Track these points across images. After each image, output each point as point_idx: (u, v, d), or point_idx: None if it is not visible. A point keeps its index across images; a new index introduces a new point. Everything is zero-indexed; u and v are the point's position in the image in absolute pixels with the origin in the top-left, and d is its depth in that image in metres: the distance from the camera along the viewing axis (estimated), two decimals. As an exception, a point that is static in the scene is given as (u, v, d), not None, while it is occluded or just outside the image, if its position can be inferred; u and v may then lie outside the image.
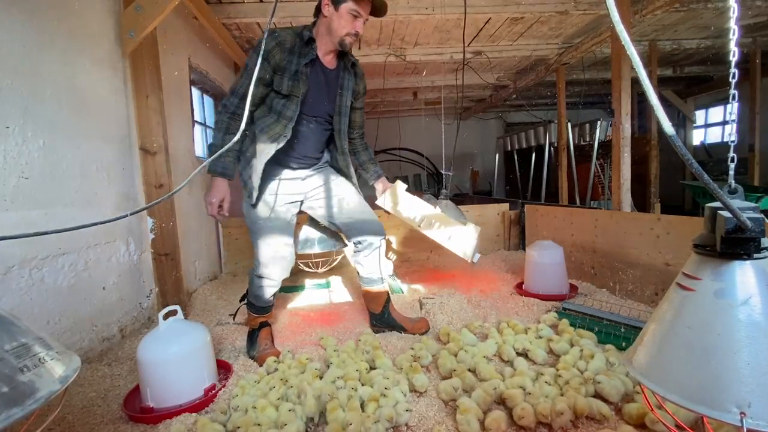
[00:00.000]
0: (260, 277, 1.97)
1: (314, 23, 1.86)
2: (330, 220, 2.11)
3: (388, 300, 2.22)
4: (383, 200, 2.14)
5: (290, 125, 1.84)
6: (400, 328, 2.17)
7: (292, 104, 1.82)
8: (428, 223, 2.08)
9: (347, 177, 2.12)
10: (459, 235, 2.09)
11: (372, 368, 1.72)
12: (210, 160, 1.44)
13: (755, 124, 5.56)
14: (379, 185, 2.18)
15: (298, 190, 2.03)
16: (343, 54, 1.93)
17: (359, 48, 4.68)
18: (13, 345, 0.77)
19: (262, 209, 1.93)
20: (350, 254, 2.25)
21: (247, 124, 1.77)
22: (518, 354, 1.80)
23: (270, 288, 2.00)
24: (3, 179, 1.58)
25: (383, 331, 2.18)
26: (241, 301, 2.29)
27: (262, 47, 1.54)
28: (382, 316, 2.20)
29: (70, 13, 1.98)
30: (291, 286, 3.19)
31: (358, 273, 2.20)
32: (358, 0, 1.73)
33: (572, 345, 1.81)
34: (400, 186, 2.15)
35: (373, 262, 2.11)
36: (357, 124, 2.13)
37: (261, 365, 1.85)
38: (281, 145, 1.85)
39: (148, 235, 2.49)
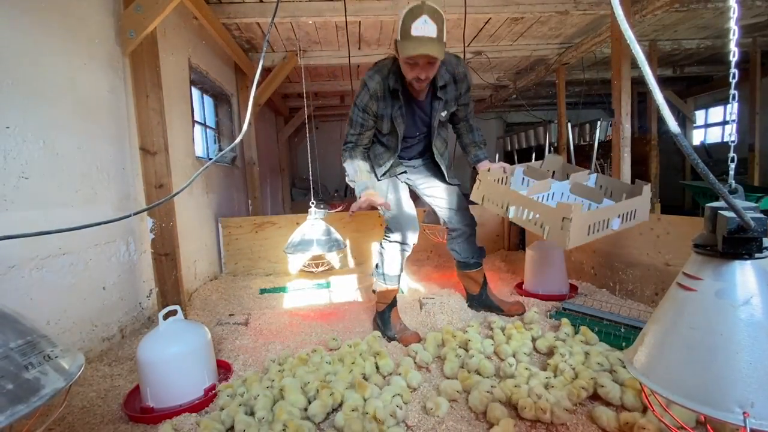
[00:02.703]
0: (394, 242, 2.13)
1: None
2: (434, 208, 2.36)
3: (485, 282, 2.42)
4: (474, 194, 2.02)
5: (396, 153, 2.14)
6: (498, 309, 2.35)
7: (393, 138, 2.08)
8: (517, 212, 1.83)
9: (442, 172, 2.26)
10: (552, 221, 1.72)
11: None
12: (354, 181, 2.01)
13: (755, 124, 5.55)
14: (482, 167, 2.11)
15: (407, 177, 2.30)
16: (433, 79, 1.89)
17: (359, 48, 4.67)
18: (18, 343, 0.78)
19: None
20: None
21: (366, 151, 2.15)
22: (518, 354, 1.80)
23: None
24: (3, 179, 1.57)
25: (480, 311, 2.40)
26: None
27: (362, 101, 1.91)
28: (480, 297, 2.42)
29: (70, 13, 1.98)
30: (278, 287, 3.19)
31: (455, 259, 2.42)
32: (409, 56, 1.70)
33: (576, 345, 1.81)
34: (485, 176, 1.99)
35: (466, 247, 2.34)
36: (461, 117, 2.21)
37: (406, 345, 1.99)
38: (391, 163, 2.17)
39: (148, 235, 2.49)
